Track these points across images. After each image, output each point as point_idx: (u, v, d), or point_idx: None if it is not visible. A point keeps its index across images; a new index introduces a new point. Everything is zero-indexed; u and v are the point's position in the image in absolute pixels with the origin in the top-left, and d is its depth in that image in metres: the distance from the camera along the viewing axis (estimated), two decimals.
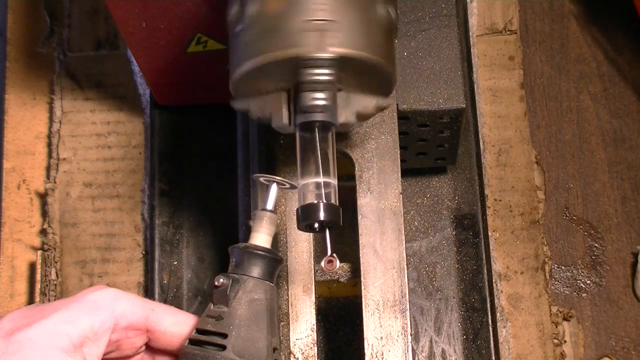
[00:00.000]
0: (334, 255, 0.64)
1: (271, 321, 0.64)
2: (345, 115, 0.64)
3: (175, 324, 0.65)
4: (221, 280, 0.63)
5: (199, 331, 0.63)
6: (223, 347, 0.61)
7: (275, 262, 0.65)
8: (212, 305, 0.63)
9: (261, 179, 0.66)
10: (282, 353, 0.70)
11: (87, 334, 0.60)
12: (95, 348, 0.61)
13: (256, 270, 0.64)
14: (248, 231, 0.66)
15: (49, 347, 0.58)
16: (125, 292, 0.64)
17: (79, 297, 0.62)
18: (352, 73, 0.62)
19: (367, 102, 0.65)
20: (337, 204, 0.62)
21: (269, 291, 0.64)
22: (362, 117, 0.66)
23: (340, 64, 0.60)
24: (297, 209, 0.62)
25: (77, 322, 0.60)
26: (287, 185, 0.66)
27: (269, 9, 0.60)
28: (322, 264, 0.65)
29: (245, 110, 0.65)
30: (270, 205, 0.65)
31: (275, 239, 0.70)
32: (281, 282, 0.71)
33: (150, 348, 0.66)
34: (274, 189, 0.66)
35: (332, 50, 0.59)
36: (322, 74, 0.61)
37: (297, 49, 0.59)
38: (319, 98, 0.62)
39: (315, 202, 0.61)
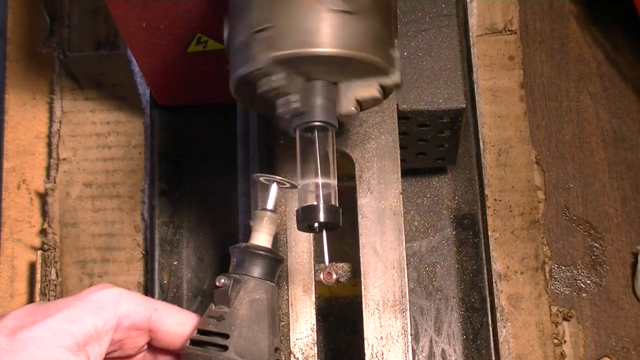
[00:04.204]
0: (332, 269, 0.64)
1: (272, 321, 0.64)
2: (345, 106, 0.64)
3: (177, 324, 0.65)
4: (222, 280, 0.63)
5: (201, 332, 0.63)
6: (225, 348, 0.61)
7: (276, 261, 0.65)
8: (213, 305, 0.63)
9: (261, 179, 0.66)
10: (282, 353, 0.70)
11: (90, 333, 0.60)
12: (98, 347, 0.61)
13: (257, 270, 0.64)
14: (248, 231, 0.66)
15: (54, 345, 0.58)
16: (129, 292, 0.63)
17: (83, 296, 0.62)
18: (351, 70, 0.62)
19: (368, 86, 0.64)
20: (337, 205, 0.62)
21: (270, 291, 0.64)
22: (368, 101, 0.65)
23: (341, 63, 0.60)
24: (297, 210, 0.62)
25: (81, 321, 0.60)
26: (287, 185, 0.66)
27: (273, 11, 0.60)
28: (321, 276, 0.65)
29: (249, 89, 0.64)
30: (270, 204, 0.65)
31: (276, 239, 0.70)
32: (281, 282, 0.71)
33: (152, 347, 0.66)
34: (274, 188, 0.66)
35: (332, 51, 0.59)
36: (322, 73, 0.61)
37: (299, 50, 0.59)
38: (318, 99, 0.62)
39: (315, 203, 0.61)
